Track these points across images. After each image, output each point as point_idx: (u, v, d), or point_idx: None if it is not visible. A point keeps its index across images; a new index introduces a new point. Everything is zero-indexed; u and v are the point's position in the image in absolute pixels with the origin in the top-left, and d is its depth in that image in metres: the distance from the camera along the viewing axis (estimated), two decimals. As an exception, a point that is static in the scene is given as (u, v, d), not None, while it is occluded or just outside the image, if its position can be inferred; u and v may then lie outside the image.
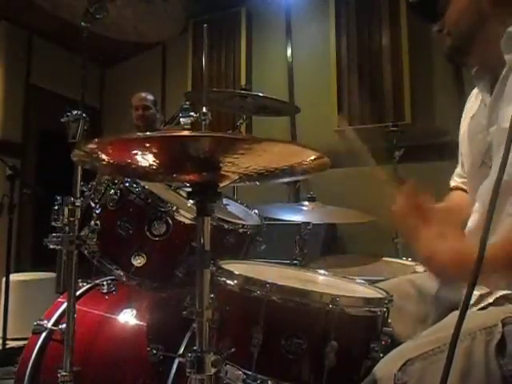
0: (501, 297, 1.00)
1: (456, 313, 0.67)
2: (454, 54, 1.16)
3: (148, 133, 0.70)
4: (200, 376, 0.80)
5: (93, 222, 1.38)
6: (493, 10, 1.05)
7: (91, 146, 0.73)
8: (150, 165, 0.77)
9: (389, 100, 3.77)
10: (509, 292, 1.00)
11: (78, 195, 1.34)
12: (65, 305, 1.39)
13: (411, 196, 1.09)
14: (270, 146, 0.72)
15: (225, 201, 1.70)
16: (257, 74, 4.45)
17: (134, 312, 1.49)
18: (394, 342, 1.02)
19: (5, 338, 2.88)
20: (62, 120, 1.34)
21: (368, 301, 1.05)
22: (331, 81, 3.97)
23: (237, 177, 0.83)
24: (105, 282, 1.61)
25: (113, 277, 1.58)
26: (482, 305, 1.01)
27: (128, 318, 1.48)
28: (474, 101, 1.24)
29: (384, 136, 3.21)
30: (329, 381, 0.96)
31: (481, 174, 1.11)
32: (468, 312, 0.98)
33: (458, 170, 1.37)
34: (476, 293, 1.04)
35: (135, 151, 0.74)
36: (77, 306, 1.32)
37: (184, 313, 1.18)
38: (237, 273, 1.07)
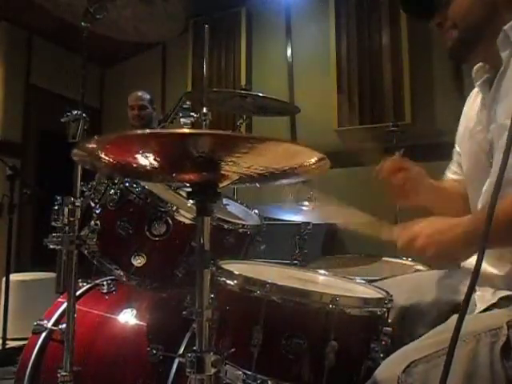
0: (504, 297, 0.99)
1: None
2: (459, 49, 1.10)
3: (148, 130, 0.70)
4: (200, 376, 0.80)
5: (93, 222, 1.38)
6: (505, 1, 1.02)
7: (91, 144, 0.73)
8: (151, 164, 0.77)
9: (389, 100, 3.77)
10: (510, 293, 0.99)
11: (78, 195, 1.34)
12: (65, 305, 1.39)
13: (396, 161, 1.14)
14: (270, 145, 0.72)
15: (225, 201, 1.70)
16: (257, 74, 4.45)
17: (134, 312, 1.49)
18: (394, 343, 1.02)
19: (5, 338, 2.88)
20: (62, 120, 1.34)
21: (368, 301, 1.05)
22: (331, 81, 3.97)
23: (237, 177, 0.83)
24: (105, 282, 1.61)
25: (113, 277, 1.58)
26: (486, 305, 1.01)
27: (128, 317, 1.48)
28: (474, 99, 1.23)
29: (384, 136, 3.21)
30: (329, 381, 0.96)
31: (486, 174, 1.09)
32: (473, 314, 0.99)
33: (452, 167, 1.36)
34: (478, 293, 1.04)
35: (135, 150, 0.73)
36: (77, 306, 1.32)
37: (184, 313, 1.19)
38: (237, 273, 1.07)
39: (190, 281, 0.88)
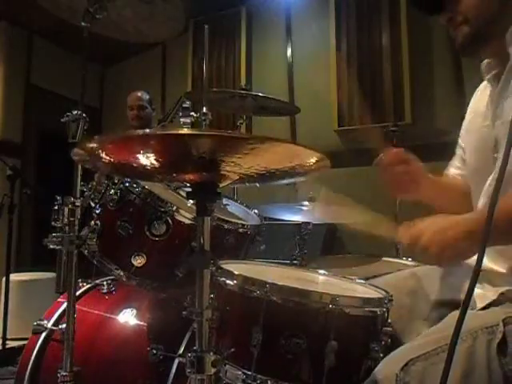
0: (504, 292, 0.99)
1: (457, 312, 0.67)
2: (470, 44, 1.09)
3: (147, 130, 0.70)
4: (200, 376, 0.80)
5: (93, 222, 1.38)
6: None
7: (92, 144, 0.73)
8: (151, 164, 0.77)
9: (389, 100, 3.77)
10: (510, 288, 0.99)
11: (78, 195, 1.34)
12: (65, 305, 1.39)
13: (397, 152, 1.15)
14: (270, 145, 0.72)
15: (225, 201, 1.70)
16: (257, 74, 4.45)
17: (134, 312, 1.49)
18: (394, 342, 1.02)
19: (5, 338, 2.88)
20: (62, 120, 1.34)
21: (368, 301, 1.05)
22: (331, 81, 3.97)
23: (237, 177, 0.83)
24: (105, 282, 1.61)
25: (113, 277, 1.58)
26: (485, 304, 1.01)
27: (128, 317, 1.48)
28: (482, 93, 1.22)
29: (384, 136, 3.20)
30: (329, 381, 0.96)
31: (490, 169, 1.09)
32: (469, 312, 0.99)
33: (456, 161, 1.37)
34: (479, 291, 1.04)
35: (136, 150, 0.74)
36: (77, 306, 1.32)
37: (184, 313, 1.18)
38: (237, 273, 1.07)
39: (190, 281, 0.88)
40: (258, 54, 4.47)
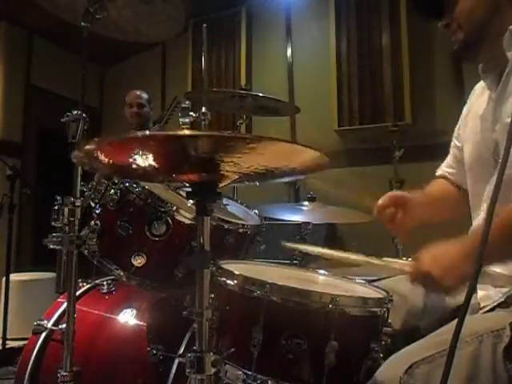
0: (509, 296, 0.99)
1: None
2: (464, 49, 1.11)
3: (147, 132, 0.70)
4: (200, 376, 0.80)
5: (93, 222, 1.38)
6: (508, 1, 1.03)
7: (90, 146, 0.72)
8: (150, 165, 0.77)
9: (389, 100, 3.76)
10: None
11: (78, 195, 1.33)
12: (65, 305, 1.39)
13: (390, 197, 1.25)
14: (270, 145, 0.72)
15: (225, 201, 1.70)
16: (257, 74, 4.45)
17: (134, 312, 1.49)
18: (395, 342, 1.02)
19: (5, 338, 2.87)
20: (62, 120, 1.34)
21: (368, 301, 1.05)
22: (331, 81, 3.97)
23: (237, 176, 0.83)
24: (105, 282, 1.61)
25: (113, 277, 1.58)
26: (492, 304, 1.00)
27: (128, 317, 1.48)
28: (479, 96, 1.22)
29: (384, 136, 3.20)
30: (329, 381, 0.96)
31: (491, 172, 1.09)
32: (476, 315, 0.98)
33: (448, 160, 1.38)
34: (482, 293, 1.04)
35: (134, 151, 0.73)
36: (77, 306, 1.32)
37: (184, 313, 1.18)
38: (237, 273, 1.07)
39: (190, 281, 0.88)
40: (258, 54, 4.47)
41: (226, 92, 2.52)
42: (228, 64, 4.51)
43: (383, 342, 1.02)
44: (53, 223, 1.30)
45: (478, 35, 1.08)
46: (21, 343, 2.21)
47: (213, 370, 0.81)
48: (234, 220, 1.52)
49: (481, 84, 1.23)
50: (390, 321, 1.05)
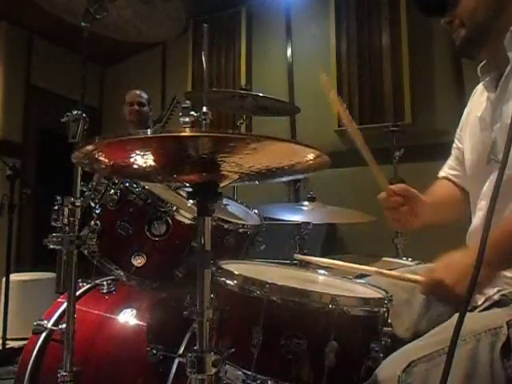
0: (508, 294, 0.99)
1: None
2: (467, 46, 1.11)
3: (148, 131, 0.70)
4: (200, 376, 0.80)
5: (93, 222, 1.38)
6: None
7: (90, 147, 0.72)
8: (150, 165, 0.77)
9: (389, 100, 3.77)
10: None
11: (78, 195, 1.34)
12: (65, 305, 1.39)
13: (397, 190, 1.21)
14: (270, 144, 0.72)
15: (225, 201, 1.70)
16: (257, 74, 4.45)
17: (134, 312, 1.49)
18: (395, 342, 1.02)
19: (5, 338, 2.87)
20: (62, 120, 1.34)
21: (368, 301, 1.05)
22: (331, 81, 3.97)
23: (237, 176, 0.83)
24: (105, 282, 1.61)
25: (113, 277, 1.58)
26: (488, 302, 1.00)
27: (128, 317, 1.48)
28: (479, 97, 1.23)
29: (384, 136, 3.20)
30: (329, 381, 0.96)
31: (488, 172, 1.10)
32: (473, 313, 0.98)
33: (450, 161, 1.38)
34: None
35: (134, 151, 0.73)
36: (77, 306, 1.32)
37: (184, 313, 1.18)
38: (237, 273, 1.07)
39: (190, 281, 0.88)
40: (258, 54, 4.47)
41: (226, 92, 2.52)
42: (228, 64, 4.51)
43: (383, 342, 1.02)
44: (53, 223, 1.30)
45: (481, 33, 1.08)
46: (21, 343, 2.21)
47: (213, 370, 0.81)
48: (233, 220, 1.52)
49: (481, 85, 1.23)
50: (392, 328, 1.05)
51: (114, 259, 1.45)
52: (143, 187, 1.42)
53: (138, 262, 1.40)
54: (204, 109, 1.15)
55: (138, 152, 0.73)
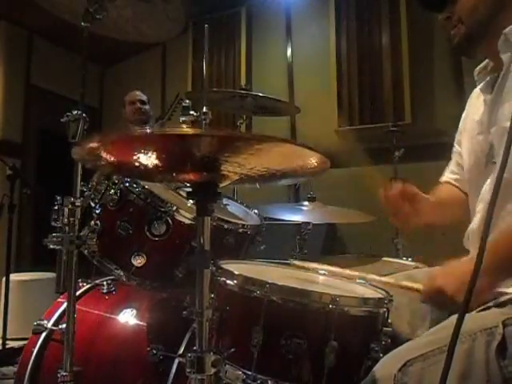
0: (504, 294, 0.99)
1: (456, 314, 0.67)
2: (465, 44, 1.11)
3: (152, 128, 0.70)
4: (200, 376, 0.80)
5: (93, 222, 1.38)
6: None
7: (92, 143, 0.72)
8: (151, 163, 0.77)
9: (389, 100, 3.77)
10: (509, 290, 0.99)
11: (78, 195, 1.33)
12: (65, 305, 1.39)
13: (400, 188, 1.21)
14: (272, 146, 0.72)
15: (225, 201, 1.70)
16: (257, 74, 4.45)
17: (134, 312, 1.49)
18: (394, 342, 1.02)
19: (5, 338, 2.87)
20: (62, 120, 1.34)
21: (368, 301, 1.05)
22: (331, 81, 3.97)
23: (237, 177, 0.83)
24: (105, 282, 1.61)
25: (113, 277, 1.58)
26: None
27: (128, 317, 1.48)
28: (476, 100, 1.23)
29: (384, 136, 3.20)
30: (329, 381, 0.96)
31: (486, 174, 1.11)
32: (470, 313, 0.98)
33: (451, 166, 1.38)
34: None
35: (136, 149, 0.73)
36: (77, 306, 1.32)
37: (184, 313, 1.18)
38: (237, 273, 1.07)
39: (190, 281, 0.88)
40: (258, 54, 4.47)
41: (226, 92, 2.52)
42: (228, 64, 4.51)
43: (383, 342, 1.02)
44: (53, 223, 1.30)
45: (480, 31, 1.08)
46: (21, 343, 2.21)
47: (213, 370, 0.81)
48: (233, 220, 1.52)
49: (476, 91, 1.24)
50: (392, 328, 1.05)
51: (114, 259, 1.45)
52: (143, 187, 1.42)
53: (138, 262, 1.40)
54: (204, 109, 1.15)
55: (141, 150, 0.73)
